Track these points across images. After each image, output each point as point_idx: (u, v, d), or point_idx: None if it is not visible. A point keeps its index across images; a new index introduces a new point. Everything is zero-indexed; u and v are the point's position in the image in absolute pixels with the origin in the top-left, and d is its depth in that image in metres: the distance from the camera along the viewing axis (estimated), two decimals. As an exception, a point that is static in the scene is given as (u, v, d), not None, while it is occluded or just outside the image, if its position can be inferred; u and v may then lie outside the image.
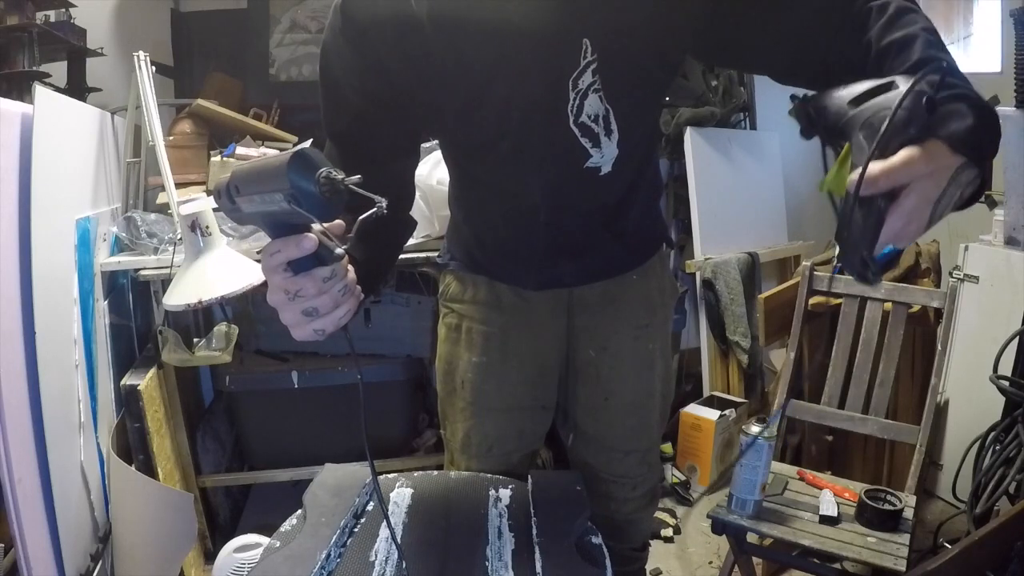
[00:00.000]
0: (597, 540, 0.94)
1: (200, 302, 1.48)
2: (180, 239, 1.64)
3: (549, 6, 0.81)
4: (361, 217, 0.62)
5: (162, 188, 1.84)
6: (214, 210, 1.55)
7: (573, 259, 1.08)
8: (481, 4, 0.81)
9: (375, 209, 0.62)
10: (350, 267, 0.72)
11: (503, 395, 1.14)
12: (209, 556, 1.92)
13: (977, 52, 2.60)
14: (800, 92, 0.76)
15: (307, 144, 0.62)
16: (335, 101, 0.89)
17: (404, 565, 0.86)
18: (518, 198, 1.00)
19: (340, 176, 0.60)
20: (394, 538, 0.85)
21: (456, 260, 1.16)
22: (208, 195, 1.85)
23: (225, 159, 1.93)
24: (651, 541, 1.38)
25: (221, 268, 1.54)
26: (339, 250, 0.66)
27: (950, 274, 2.11)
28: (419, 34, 0.82)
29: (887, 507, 1.46)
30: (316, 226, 0.66)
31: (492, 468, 1.15)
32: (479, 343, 1.13)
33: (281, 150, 2.07)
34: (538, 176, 0.96)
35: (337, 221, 0.72)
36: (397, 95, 0.86)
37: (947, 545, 1.84)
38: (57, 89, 1.77)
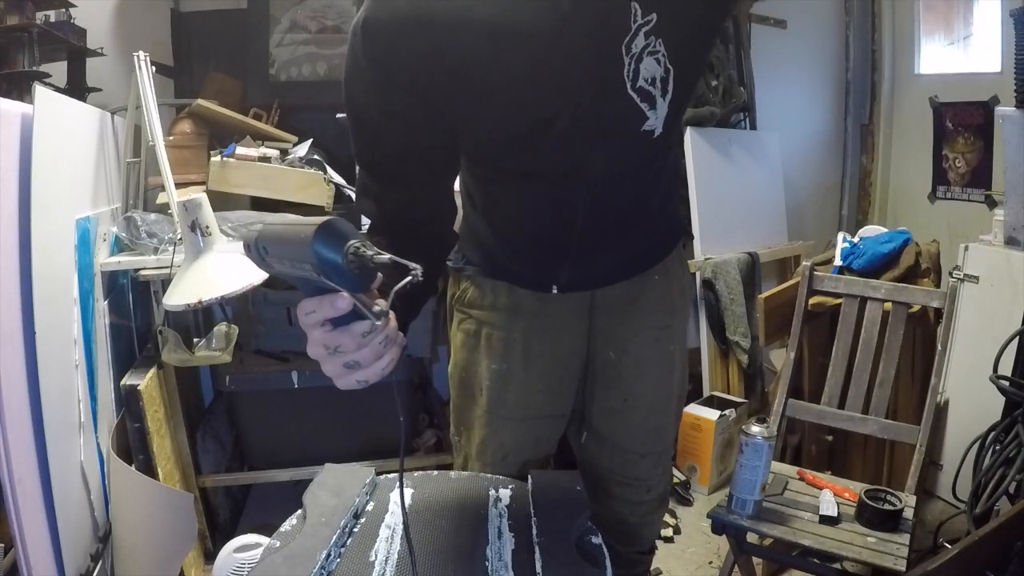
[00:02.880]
0: (597, 540, 0.94)
1: (200, 302, 1.48)
2: (180, 239, 1.64)
3: None
4: (395, 288, 0.60)
5: (162, 188, 1.84)
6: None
7: (603, 254, 1.06)
8: None
9: (409, 278, 0.59)
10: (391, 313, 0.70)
11: (522, 404, 1.13)
12: (209, 556, 1.92)
13: (977, 52, 2.60)
14: None
15: (327, 219, 0.60)
16: (365, 131, 0.86)
17: (415, 565, 0.86)
18: (563, 184, 0.98)
19: (370, 253, 0.58)
20: (408, 541, 0.85)
21: (473, 264, 1.13)
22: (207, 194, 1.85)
23: (225, 159, 1.93)
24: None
25: (221, 268, 1.54)
26: (378, 309, 0.64)
27: (950, 274, 2.11)
28: (453, 37, 0.81)
29: (887, 507, 1.46)
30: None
31: (506, 475, 1.13)
32: (499, 350, 1.11)
33: (281, 150, 2.07)
34: (598, 147, 0.93)
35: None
36: (432, 111, 0.84)
37: (947, 545, 1.84)
38: (57, 89, 1.77)
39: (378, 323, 0.64)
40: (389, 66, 0.81)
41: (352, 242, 0.58)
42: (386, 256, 0.58)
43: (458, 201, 1.12)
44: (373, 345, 0.66)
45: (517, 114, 0.89)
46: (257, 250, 0.67)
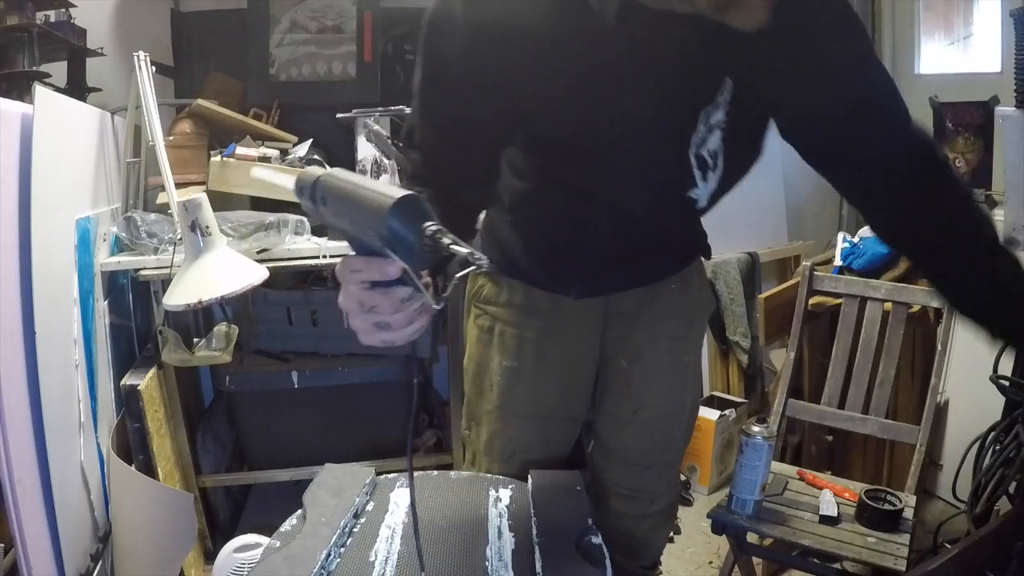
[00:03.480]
0: (597, 540, 0.94)
1: (200, 302, 1.47)
2: (180, 239, 1.63)
3: (704, 39, 0.78)
4: (458, 275, 0.60)
5: (162, 188, 1.84)
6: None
7: (618, 270, 1.06)
8: (634, 25, 0.77)
9: (473, 268, 0.58)
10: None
11: (532, 402, 1.13)
12: (209, 556, 1.92)
13: (977, 52, 2.59)
14: None
15: (407, 193, 0.58)
16: (439, 80, 0.84)
17: (423, 563, 0.86)
18: (592, 207, 0.98)
19: (447, 241, 0.57)
20: (417, 538, 0.85)
21: (491, 262, 1.13)
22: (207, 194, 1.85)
23: (225, 159, 1.93)
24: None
25: (221, 268, 1.54)
26: (426, 282, 0.63)
27: (950, 274, 2.10)
28: (550, 40, 0.80)
29: (887, 507, 1.46)
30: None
31: (514, 473, 1.13)
32: (512, 347, 1.12)
33: (281, 150, 2.07)
34: (638, 190, 0.94)
35: None
36: (509, 88, 0.83)
37: (947, 545, 1.84)
38: (57, 89, 1.76)
39: (436, 307, 0.64)
40: (484, 31, 0.79)
41: (429, 225, 0.57)
42: (464, 248, 0.57)
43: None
44: (407, 311, 0.66)
45: (581, 132, 0.89)
46: (312, 196, 0.65)
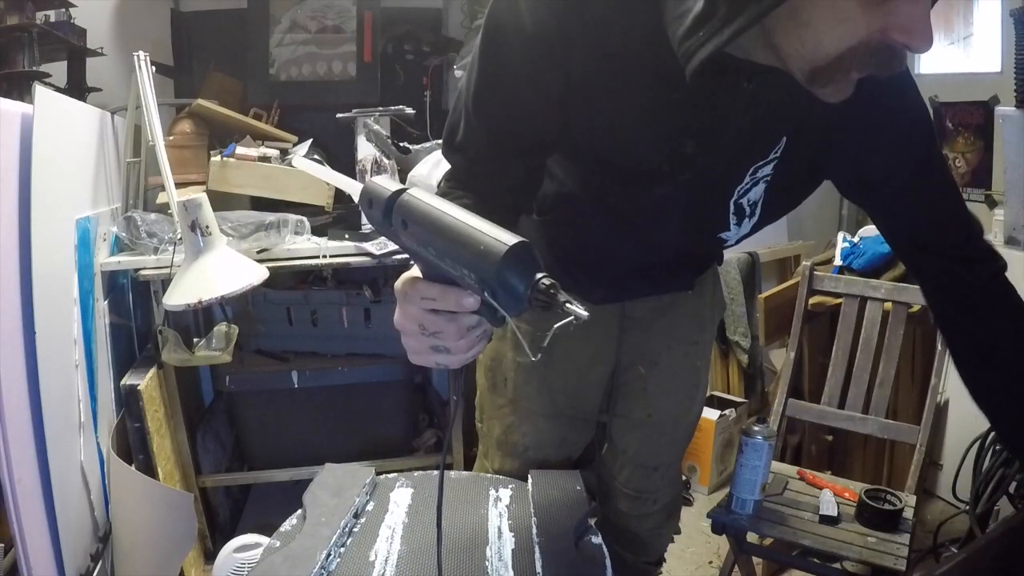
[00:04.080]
0: (597, 540, 0.94)
1: (200, 302, 1.48)
2: (180, 239, 1.63)
3: (772, 100, 0.76)
4: (556, 326, 0.56)
5: (162, 188, 1.84)
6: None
7: (645, 278, 1.06)
8: (716, 83, 0.73)
9: (570, 319, 0.55)
10: None
11: (544, 400, 1.13)
12: (209, 556, 1.92)
13: (977, 52, 2.59)
14: None
15: (520, 241, 0.55)
16: (497, 79, 0.79)
17: (440, 559, 0.86)
18: (618, 228, 0.97)
19: (562, 299, 0.54)
20: (439, 530, 0.85)
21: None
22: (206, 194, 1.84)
23: (225, 159, 1.93)
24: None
25: (221, 268, 1.54)
26: (533, 358, 0.61)
27: (950, 274, 2.10)
28: (631, 75, 0.76)
29: (887, 507, 1.46)
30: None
31: (526, 469, 1.13)
32: (525, 344, 1.11)
33: (281, 150, 2.07)
34: (671, 226, 0.93)
35: None
36: (570, 105, 0.80)
37: (948, 545, 1.84)
38: (57, 89, 1.76)
39: (534, 359, 0.61)
40: (553, 44, 0.74)
41: (543, 278, 0.54)
42: (580, 309, 0.54)
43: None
44: (470, 338, 0.63)
45: (626, 162, 0.86)
46: (387, 213, 0.60)
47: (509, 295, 0.54)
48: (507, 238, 0.54)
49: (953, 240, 0.87)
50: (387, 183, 0.62)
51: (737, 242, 0.96)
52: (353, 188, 0.71)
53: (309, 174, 1.94)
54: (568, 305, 0.54)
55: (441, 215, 0.58)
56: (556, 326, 0.56)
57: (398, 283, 0.64)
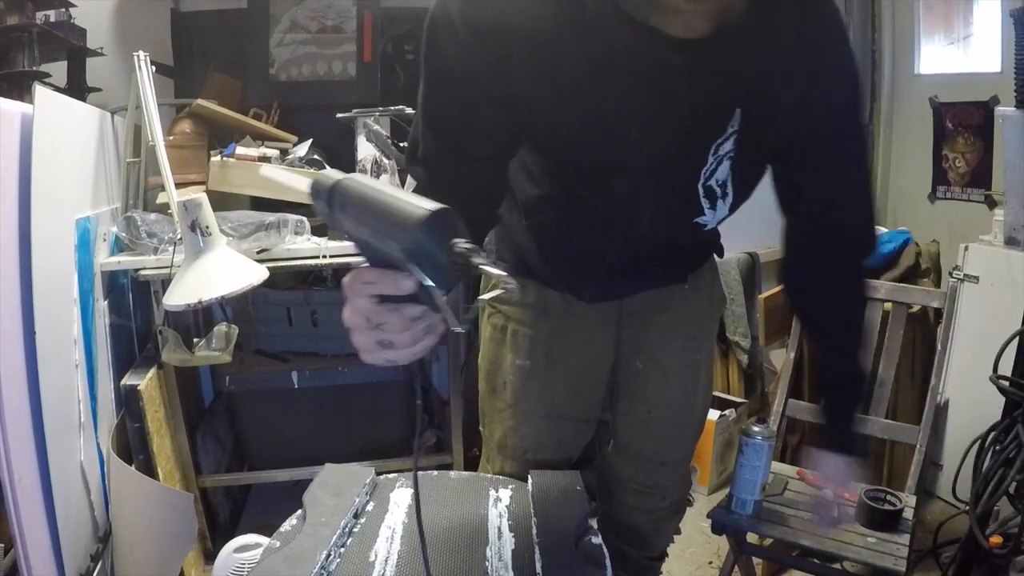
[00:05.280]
0: (597, 540, 0.94)
1: (200, 302, 1.48)
2: (180, 239, 1.63)
3: (714, 72, 0.77)
4: (483, 297, 0.57)
5: (162, 188, 1.84)
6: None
7: (638, 278, 1.07)
8: (644, 59, 0.76)
9: (500, 291, 0.56)
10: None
11: (544, 402, 1.13)
12: (209, 556, 1.92)
13: (977, 52, 2.60)
14: None
15: (440, 207, 0.57)
16: (438, 80, 0.81)
17: (427, 557, 0.86)
18: (615, 226, 0.97)
19: (477, 260, 0.54)
20: (421, 531, 0.85)
21: (504, 261, 1.13)
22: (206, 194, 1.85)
23: (225, 159, 1.93)
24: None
25: (221, 268, 1.54)
26: (459, 329, 0.60)
27: (950, 274, 2.10)
28: (562, 62, 0.77)
29: (887, 507, 1.46)
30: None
31: (526, 472, 1.13)
32: (524, 347, 1.12)
33: (281, 150, 2.07)
34: (643, 217, 0.93)
35: None
36: (515, 101, 0.81)
37: (949, 546, 1.84)
38: (57, 89, 1.76)
39: (459, 329, 0.61)
40: (485, 40, 0.76)
41: (460, 242, 0.54)
42: (496, 268, 0.54)
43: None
44: (415, 330, 0.63)
45: (585, 156, 0.88)
46: (329, 201, 0.61)
47: (428, 261, 0.55)
48: (429, 205, 0.55)
49: (846, 236, 0.99)
50: (332, 173, 0.64)
51: (718, 222, 0.97)
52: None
53: (308, 173, 1.95)
54: (484, 267, 0.54)
55: (371, 191, 0.59)
56: (481, 298, 0.57)
57: (346, 276, 0.65)
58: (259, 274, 1.57)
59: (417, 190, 0.85)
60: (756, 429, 1.45)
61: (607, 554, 0.92)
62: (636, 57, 0.76)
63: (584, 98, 0.80)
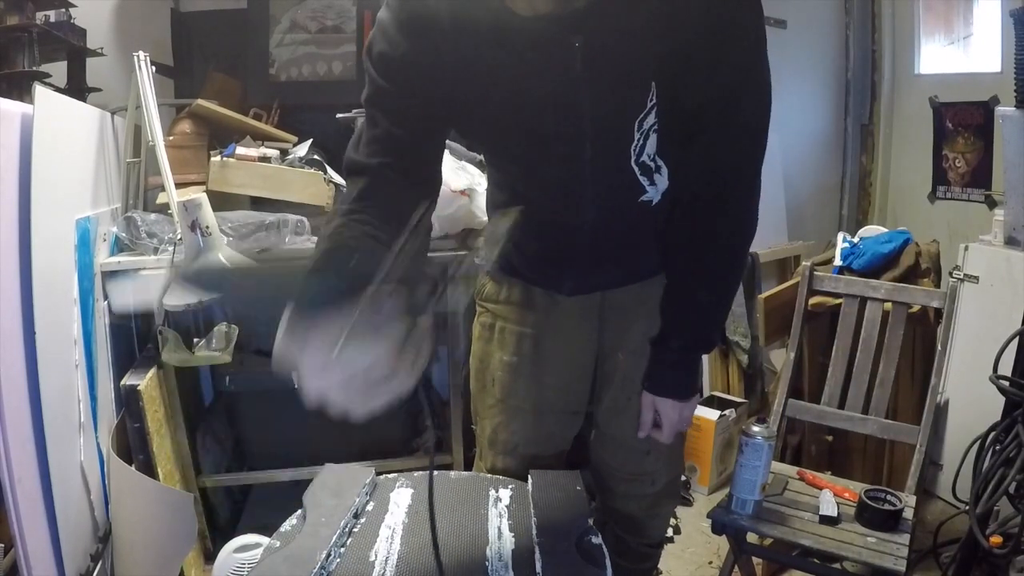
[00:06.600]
0: (597, 540, 0.94)
1: (200, 302, 1.48)
2: (180, 239, 1.64)
3: (625, 50, 0.82)
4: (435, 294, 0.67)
5: (162, 188, 1.84)
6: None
7: (611, 267, 1.09)
8: (556, 45, 0.82)
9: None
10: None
11: (532, 396, 1.15)
12: (209, 556, 1.92)
13: (977, 52, 2.60)
14: None
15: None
16: (385, 66, 0.89)
17: (439, 557, 0.86)
18: (565, 217, 1.01)
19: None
20: (434, 532, 0.85)
21: (493, 262, 1.16)
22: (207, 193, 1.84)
23: (225, 159, 1.93)
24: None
25: (221, 268, 1.54)
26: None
27: (950, 274, 2.11)
28: (483, 50, 0.84)
29: (887, 507, 1.46)
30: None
31: (518, 466, 1.16)
32: (511, 343, 1.15)
33: (281, 150, 2.07)
34: (591, 206, 0.98)
35: None
36: (447, 99, 0.88)
37: (949, 546, 1.84)
38: (57, 89, 1.76)
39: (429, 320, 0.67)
40: (416, 43, 0.85)
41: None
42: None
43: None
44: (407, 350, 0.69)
45: (522, 149, 0.93)
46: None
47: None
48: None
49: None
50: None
51: (665, 197, 1.00)
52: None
53: (308, 173, 1.95)
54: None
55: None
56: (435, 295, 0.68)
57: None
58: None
59: (351, 207, 0.90)
60: (756, 429, 1.45)
61: (607, 554, 0.92)
62: (531, 40, 0.83)
63: (505, 84, 0.87)
